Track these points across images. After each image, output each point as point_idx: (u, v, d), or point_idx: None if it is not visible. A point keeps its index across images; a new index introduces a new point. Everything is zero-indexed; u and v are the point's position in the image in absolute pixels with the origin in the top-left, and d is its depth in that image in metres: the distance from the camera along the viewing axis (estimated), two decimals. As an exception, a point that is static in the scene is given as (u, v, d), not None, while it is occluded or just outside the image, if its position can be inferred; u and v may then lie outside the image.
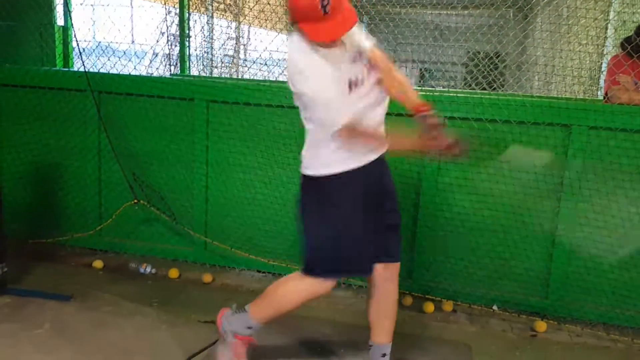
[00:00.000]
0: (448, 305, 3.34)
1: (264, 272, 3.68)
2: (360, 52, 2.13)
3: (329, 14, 1.88)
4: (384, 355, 2.44)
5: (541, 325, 3.14)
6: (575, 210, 3.12)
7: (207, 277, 3.57)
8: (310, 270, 2.27)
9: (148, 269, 3.66)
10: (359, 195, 2.20)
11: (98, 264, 3.70)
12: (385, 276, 2.37)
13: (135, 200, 3.69)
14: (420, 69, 12.70)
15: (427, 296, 3.38)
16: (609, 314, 3.18)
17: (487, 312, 3.31)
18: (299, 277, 2.31)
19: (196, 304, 3.24)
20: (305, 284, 2.29)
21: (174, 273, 3.62)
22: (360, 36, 2.13)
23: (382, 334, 2.44)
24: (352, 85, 2.09)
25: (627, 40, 3.30)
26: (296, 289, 2.33)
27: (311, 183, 2.23)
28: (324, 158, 2.16)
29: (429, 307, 3.31)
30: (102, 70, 3.85)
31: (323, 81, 2.00)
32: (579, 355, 2.89)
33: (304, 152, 2.23)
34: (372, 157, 2.21)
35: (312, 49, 2.02)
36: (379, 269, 2.35)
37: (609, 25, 5.44)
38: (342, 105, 2.04)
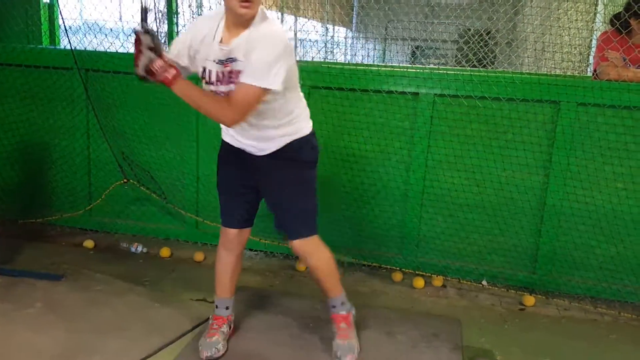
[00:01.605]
0: (438, 281, 3.38)
1: (255, 251, 3.70)
2: (236, 61, 2.10)
3: None
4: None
5: (529, 300, 3.19)
6: (563, 186, 3.15)
7: (199, 256, 3.58)
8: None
9: (139, 249, 3.67)
10: None
11: (89, 243, 3.70)
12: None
13: (125, 180, 3.68)
14: (411, 47, 12.65)
15: (417, 272, 3.42)
16: (596, 288, 3.23)
17: (477, 287, 3.36)
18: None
19: (188, 283, 3.25)
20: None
21: (165, 252, 3.63)
22: (257, 59, 2.04)
23: None
24: (204, 73, 2.19)
25: (616, 16, 3.29)
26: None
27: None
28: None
29: (419, 282, 3.35)
30: (88, 49, 3.79)
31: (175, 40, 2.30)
32: (566, 329, 2.95)
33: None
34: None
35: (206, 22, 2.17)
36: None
37: (599, 1, 5.42)
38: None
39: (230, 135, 2.36)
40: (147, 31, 2.04)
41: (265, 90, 2.03)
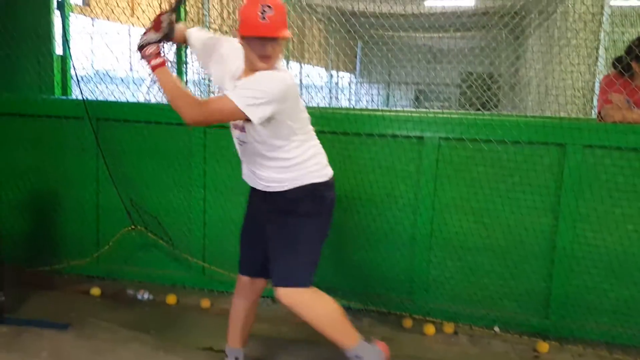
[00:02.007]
0: (449, 327, 3.32)
1: (263, 297, 3.64)
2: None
3: (266, 22, 2.04)
4: None
5: (543, 346, 3.11)
6: (573, 229, 3.13)
7: (205, 303, 3.54)
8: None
9: (145, 296, 3.64)
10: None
11: (95, 291, 3.68)
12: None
13: (133, 226, 3.69)
14: (415, 91, 12.84)
15: (427, 318, 3.37)
16: (611, 332, 3.16)
17: (489, 334, 3.29)
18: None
19: (194, 331, 3.21)
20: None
21: (171, 299, 3.60)
22: (251, 83, 2.13)
23: None
24: None
25: (618, 59, 3.34)
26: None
27: None
28: None
29: (430, 329, 3.29)
30: (100, 98, 3.87)
31: None
32: (581, 375, 2.87)
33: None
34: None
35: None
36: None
37: (600, 45, 5.51)
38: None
39: (243, 168, 2.46)
40: (170, 20, 2.20)
41: (241, 114, 2.07)
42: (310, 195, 2.31)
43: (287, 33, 2.10)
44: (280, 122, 2.15)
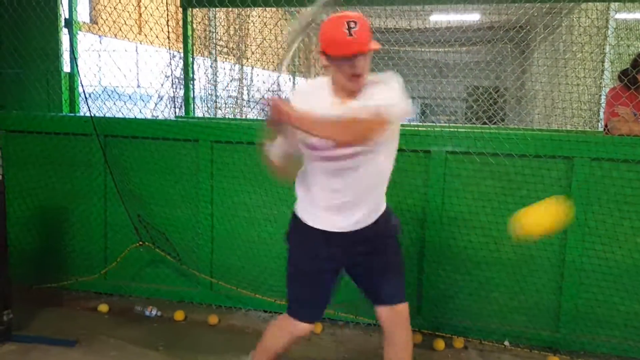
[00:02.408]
0: (459, 342, 3.29)
1: (270, 312, 3.64)
2: None
3: (354, 38, 1.94)
4: None
5: (554, 360, 3.08)
6: (582, 242, 3.11)
7: (213, 319, 3.53)
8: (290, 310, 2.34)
9: (153, 312, 3.63)
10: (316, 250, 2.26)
11: (103, 307, 3.68)
12: (392, 320, 2.32)
13: (141, 242, 3.69)
14: (421, 105, 12.86)
15: (437, 333, 3.34)
16: (621, 346, 3.13)
17: (499, 348, 3.26)
18: (283, 318, 2.35)
19: (202, 347, 3.20)
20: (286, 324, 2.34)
21: (179, 315, 3.59)
22: (387, 92, 2.03)
23: None
24: (320, 142, 2.07)
25: (624, 72, 3.35)
26: (278, 329, 2.38)
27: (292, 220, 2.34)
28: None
29: (440, 344, 3.26)
30: (107, 115, 3.91)
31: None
32: (594, 391, 2.83)
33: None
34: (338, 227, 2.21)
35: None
36: (383, 312, 2.32)
37: (605, 58, 5.52)
38: None
39: (326, 207, 2.19)
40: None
41: (394, 111, 1.98)
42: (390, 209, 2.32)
43: (376, 44, 1.99)
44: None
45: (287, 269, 2.34)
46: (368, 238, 2.23)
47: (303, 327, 2.31)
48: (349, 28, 1.92)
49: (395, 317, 2.31)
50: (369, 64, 2.02)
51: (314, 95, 2.12)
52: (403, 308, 2.33)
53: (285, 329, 2.34)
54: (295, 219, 2.29)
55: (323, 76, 2.17)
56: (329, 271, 2.28)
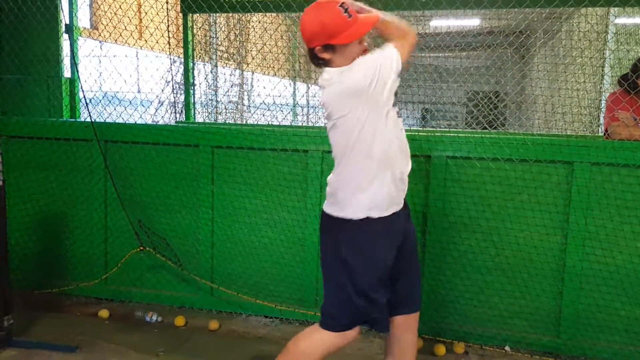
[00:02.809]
0: (459, 347, 3.29)
1: (271, 318, 3.64)
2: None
3: (353, 18, 1.98)
4: None
5: (555, 366, 3.08)
6: (582, 247, 3.11)
7: (214, 324, 3.53)
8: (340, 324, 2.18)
9: (154, 318, 3.63)
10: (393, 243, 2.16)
11: (104, 313, 3.67)
12: (405, 326, 2.30)
13: (141, 248, 3.69)
14: (421, 110, 12.87)
15: (438, 338, 3.34)
16: (622, 352, 3.12)
17: (500, 353, 3.25)
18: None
19: (203, 352, 3.19)
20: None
21: (180, 321, 3.58)
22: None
23: None
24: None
25: (624, 77, 3.35)
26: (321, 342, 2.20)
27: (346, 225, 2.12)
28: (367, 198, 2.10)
29: (440, 349, 3.25)
30: (108, 120, 3.92)
31: None
32: (595, 396, 2.82)
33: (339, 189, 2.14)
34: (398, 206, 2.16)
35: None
36: (397, 320, 2.28)
37: (605, 63, 5.53)
38: None
39: (393, 191, 2.12)
40: None
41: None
42: None
43: (372, 11, 2.07)
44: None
45: (343, 285, 2.12)
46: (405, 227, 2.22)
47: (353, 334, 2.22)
48: (346, 9, 1.97)
49: (408, 323, 2.30)
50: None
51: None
52: (417, 314, 2.33)
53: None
54: (361, 223, 2.08)
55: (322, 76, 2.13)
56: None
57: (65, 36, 4.28)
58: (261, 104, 5.81)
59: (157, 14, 4.60)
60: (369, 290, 2.10)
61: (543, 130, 6.91)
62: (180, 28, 4.83)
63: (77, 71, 4.14)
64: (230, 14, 5.89)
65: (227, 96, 6.06)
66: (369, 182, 2.06)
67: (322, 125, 4.73)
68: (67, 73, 4.40)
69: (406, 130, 2.85)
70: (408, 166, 2.17)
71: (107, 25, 4.46)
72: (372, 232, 2.08)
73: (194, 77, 4.91)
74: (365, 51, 2.05)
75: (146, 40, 4.56)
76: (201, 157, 3.63)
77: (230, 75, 6.32)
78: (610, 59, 5.54)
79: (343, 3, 1.97)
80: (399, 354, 2.34)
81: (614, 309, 3.12)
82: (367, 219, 2.07)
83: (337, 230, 2.12)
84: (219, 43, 6.03)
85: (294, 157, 3.45)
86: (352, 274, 2.08)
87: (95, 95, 4.12)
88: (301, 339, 2.24)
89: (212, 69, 5.79)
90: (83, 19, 7.05)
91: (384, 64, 1.97)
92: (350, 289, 2.09)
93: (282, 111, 5.66)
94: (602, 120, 4.70)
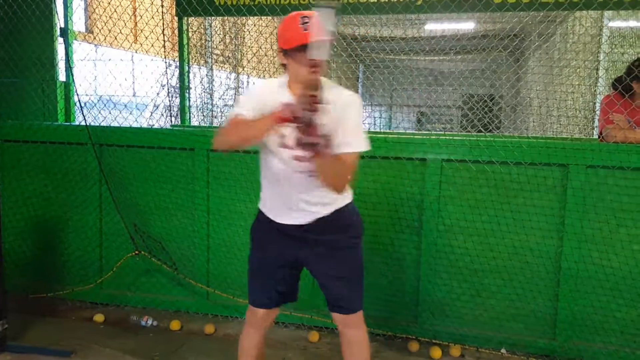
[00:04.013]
0: (456, 350, 3.28)
1: (267, 321, 3.62)
2: None
3: (309, 31, 1.99)
4: None
5: (551, 368, 3.08)
6: (578, 249, 3.12)
7: (209, 328, 3.52)
8: None
9: (149, 322, 3.61)
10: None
11: (99, 317, 3.65)
12: (342, 323, 2.36)
13: (136, 252, 3.68)
14: (417, 113, 12.91)
15: (434, 341, 3.33)
16: (618, 353, 3.13)
17: (496, 356, 3.25)
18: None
19: (198, 356, 3.18)
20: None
21: (175, 325, 3.57)
22: (352, 126, 2.11)
23: None
24: (283, 140, 2.06)
25: (618, 80, 3.37)
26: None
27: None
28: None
29: (436, 352, 3.25)
30: (103, 124, 3.90)
31: None
32: (591, 398, 2.82)
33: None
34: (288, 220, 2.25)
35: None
36: (334, 316, 2.36)
37: (600, 66, 5.56)
38: None
39: (277, 206, 2.27)
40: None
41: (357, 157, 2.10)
42: (356, 213, 2.34)
43: (330, 36, 1.95)
44: None
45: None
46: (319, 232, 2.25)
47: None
48: (305, 23, 2.01)
49: (343, 320, 2.34)
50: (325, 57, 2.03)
51: (270, 96, 2.13)
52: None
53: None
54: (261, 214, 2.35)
55: (283, 77, 2.19)
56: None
57: (60, 40, 4.27)
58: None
59: (152, 17, 4.60)
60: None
61: (538, 133, 6.94)
62: (176, 31, 4.82)
63: (72, 75, 4.13)
64: (226, 18, 5.89)
65: (222, 99, 6.06)
66: None
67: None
68: (62, 77, 4.39)
69: (401, 134, 2.85)
70: None
71: (102, 28, 4.46)
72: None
73: (189, 80, 4.91)
74: (312, 68, 1.87)
75: (141, 44, 4.56)
76: (197, 160, 3.62)
77: (226, 78, 6.32)
78: (604, 61, 5.57)
79: (305, 17, 2.03)
80: (343, 347, 2.40)
81: (609, 311, 3.13)
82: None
83: None
84: (214, 46, 6.03)
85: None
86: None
87: (90, 98, 4.11)
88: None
89: (208, 72, 5.79)
90: (78, 23, 7.04)
91: None
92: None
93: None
94: (596, 123, 4.72)
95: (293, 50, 2.05)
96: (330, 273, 2.28)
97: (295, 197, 2.20)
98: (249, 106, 2.13)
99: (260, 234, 2.37)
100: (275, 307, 2.42)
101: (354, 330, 2.33)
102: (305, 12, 2.06)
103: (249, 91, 2.24)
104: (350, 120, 2.08)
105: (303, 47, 1.98)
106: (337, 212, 2.25)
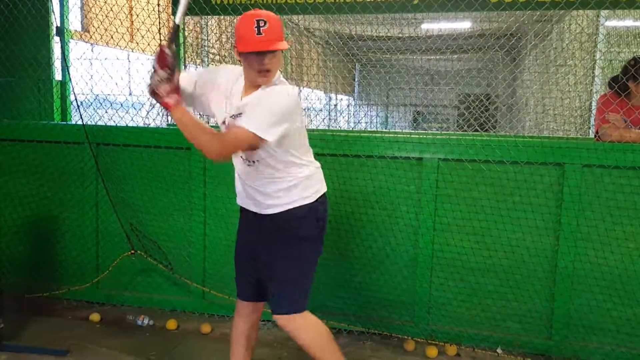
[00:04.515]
0: (452, 349, 3.29)
1: (263, 321, 3.61)
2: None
3: (262, 36, 2.04)
4: None
5: (547, 367, 3.08)
6: (574, 248, 3.12)
7: (206, 328, 3.51)
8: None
9: (145, 321, 3.61)
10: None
11: (95, 317, 3.65)
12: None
13: (133, 251, 3.67)
14: (413, 112, 12.92)
15: (429, 340, 3.34)
16: (614, 352, 3.14)
17: (492, 356, 3.26)
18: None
19: (195, 356, 3.18)
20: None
21: (171, 324, 3.56)
22: (262, 107, 2.13)
23: None
24: (223, 124, 2.28)
25: (614, 79, 3.38)
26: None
27: None
28: None
29: (432, 351, 3.25)
30: (99, 123, 3.90)
31: None
32: (587, 397, 2.83)
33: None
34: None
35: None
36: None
37: (596, 65, 5.57)
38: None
39: (239, 191, 2.41)
40: (171, 50, 2.10)
41: (259, 139, 2.07)
42: (311, 215, 2.30)
43: (284, 44, 2.10)
44: (291, 136, 2.17)
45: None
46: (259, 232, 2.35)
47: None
48: (259, 27, 2.03)
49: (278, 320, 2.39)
50: (278, 62, 2.14)
51: (230, 82, 2.24)
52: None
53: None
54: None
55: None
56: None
57: (57, 39, 4.26)
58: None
59: (149, 16, 4.58)
60: None
61: (534, 132, 6.95)
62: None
63: (69, 74, 4.12)
64: (222, 17, 5.88)
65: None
66: None
67: (315, 127, 4.73)
68: (58, 76, 4.38)
69: (398, 133, 2.87)
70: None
71: (99, 27, 4.44)
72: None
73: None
74: (260, 73, 2.11)
75: (137, 43, 4.55)
76: (193, 159, 3.61)
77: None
78: (600, 61, 5.58)
79: (261, 20, 2.05)
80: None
81: (605, 309, 3.14)
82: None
83: None
84: (211, 45, 6.02)
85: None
86: None
87: (86, 98, 4.10)
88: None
89: (204, 71, 5.77)
90: (74, 22, 7.02)
91: None
92: None
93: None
94: (592, 122, 4.73)
95: (246, 54, 2.08)
96: (265, 273, 2.38)
97: (246, 185, 2.33)
98: (193, 73, 2.35)
99: (240, 222, 2.51)
100: (252, 300, 2.49)
101: (290, 331, 2.37)
102: (262, 14, 2.08)
103: (218, 67, 2.32)
104: (261, 105, 2.10)
105: (254, 54, 2.06)
106: (285, 212, 2.28)
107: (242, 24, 2.08)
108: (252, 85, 2.17)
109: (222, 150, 2.13)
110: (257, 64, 2.08)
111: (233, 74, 2.26)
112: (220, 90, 2.26)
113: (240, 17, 2.11)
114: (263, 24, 2.03)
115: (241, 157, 2.28)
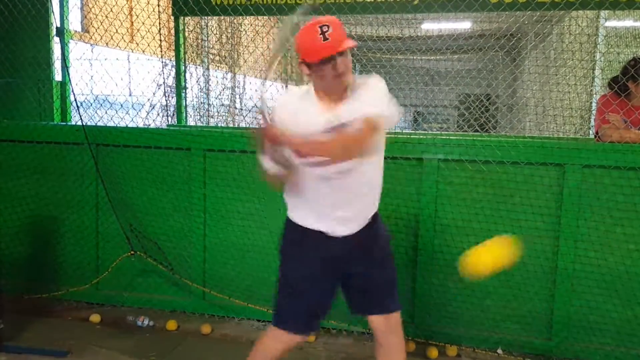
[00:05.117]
0: (452, 350, 3.29)
1: (263, 322, 3.62)
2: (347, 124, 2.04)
3: (329, 41, 1.96)
4: None
5: (547, 368, 3.08)
6: (574, 249, 3.12)
7: (206, 328, 3.51)
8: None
9: (146, 322, 3.60)
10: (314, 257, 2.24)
11: (95, 317, 3.64)
12: (386, 327, 2.32)
13: (132, 252, 3.67)
14: (413, 113, 12.92)
15: (430, 341, 3.33)
16: (614, 353, 3.13)
17: (492, 356, 3.26)
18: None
19: (195, 357, 3.18)
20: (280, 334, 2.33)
21: (172, 325, 3.56)
22: (372, 94, 2.07)
23: None
24: None
25: (614, 80, 3.37)
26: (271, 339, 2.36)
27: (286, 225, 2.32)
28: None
29: (433, 352, 3.25)
30: (99, 124, 3.89)
31: None
32: (587, 398, 2.83)
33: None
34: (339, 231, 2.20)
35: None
36: (376, 321, 2.32)
37: (596, 65, 5.57)
38: None
39: (322, 214, 2.19)
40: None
41: (384, 122, 2.03)
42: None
43: (351, 42, 2.01)
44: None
45: (278, 279, 2.32)
46: (365, 245, 2.22)
47: (294, 338, 2.30)
48: (323, 32, 1.95)
49: (388, 324, 2.31)
50: (350, 63, 2.05)
51: (298, 105, 2.12)
52: (397, 315, 2.34)
53: (279, 339, 2.32)
54: (291, 224, 2.27)
55: (307, 85, 2.17)
56: (325, 279, 2.26)
57: (57, 39, 4.26)
58: (253, 107, 5.81)
59: (149, 17, 4.59)
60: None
61: (534, 132, 6.94)
62: (172, 31, 4.82)
63: (68, 74, 4.12)
64: (222, 17, 5.88)
65: (218, 99, 6.05)
66: None
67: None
68: (58, 76, 4.38)
69: (398, 133, 2.86)
70: None
71: (99, 28, 4.45)
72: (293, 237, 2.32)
73: (185, 80, 4.91)
74: (337, 77, 2.01)
75: (137, 43, 4.55)
76: (193, 160, 3.61)
77: (222, 78, 6.31)
78: (600, 61, 5.58)
79: (324, 25, 1.97)
80: (385, 353, 2.36)
81: (605, 310, 3.13)
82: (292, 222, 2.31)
83: None
84: (211, 46, 6.02)
85: (286, 160, 3.44)
86: None
87: (86, 98, 4.10)
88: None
89: (204, 72, 5.79)
90: (74, 22, 7.02)
91: None
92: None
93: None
94: (592, 123, 4.73)
95: (317, 64, 1.99)
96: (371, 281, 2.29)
97: (346, 202, 2.18)
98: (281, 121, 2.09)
99: (301, 249, 2.27)
100: (315, 330, 2.45)
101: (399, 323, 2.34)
102: (323, 20, 1.98)
103: (278, 106, 2.20)
104: (365, 95, 2.05)
105: (327, 60, 1.97)
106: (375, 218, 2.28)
107: (304, 36, 1.99)
108: (331, 97, 2.08)
109: (358, 149, 2.04)
110: (331, 70, 1.99)
111: (301, 100, 2.14)
112: (299, 119, 2.10)
113: (301, 31, 2.01)
114: (327, 29, 1.95)
115: (332, 173, 2.10)
